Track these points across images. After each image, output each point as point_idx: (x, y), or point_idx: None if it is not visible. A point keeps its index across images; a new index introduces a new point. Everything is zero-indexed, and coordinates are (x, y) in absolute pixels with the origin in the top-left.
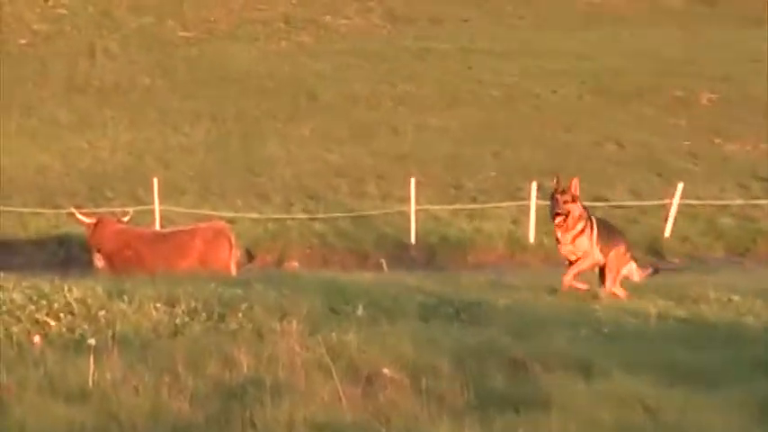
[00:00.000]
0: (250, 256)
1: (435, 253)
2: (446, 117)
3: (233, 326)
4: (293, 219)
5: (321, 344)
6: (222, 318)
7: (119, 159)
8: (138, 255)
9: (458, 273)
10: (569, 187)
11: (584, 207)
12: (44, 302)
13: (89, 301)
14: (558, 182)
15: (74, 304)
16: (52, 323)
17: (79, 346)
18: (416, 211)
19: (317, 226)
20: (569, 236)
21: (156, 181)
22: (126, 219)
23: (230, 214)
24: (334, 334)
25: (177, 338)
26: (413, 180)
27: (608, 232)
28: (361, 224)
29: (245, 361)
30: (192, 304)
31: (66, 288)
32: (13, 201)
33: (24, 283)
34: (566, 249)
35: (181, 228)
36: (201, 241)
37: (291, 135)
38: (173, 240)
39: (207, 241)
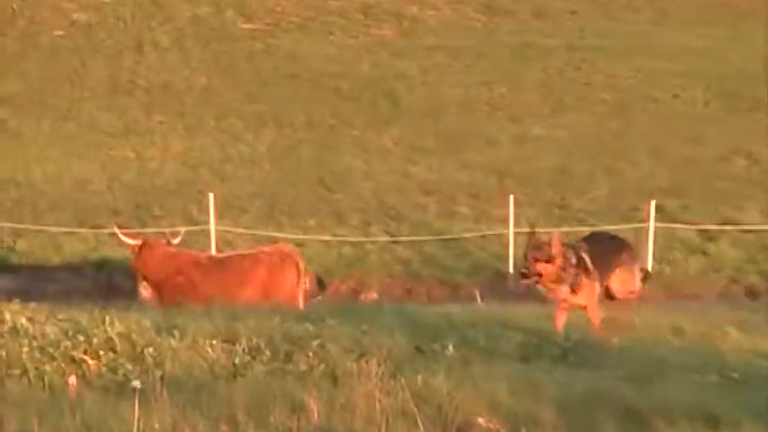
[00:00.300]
0: (322, 285)
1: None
2: (550, 125)
3: (302, 366)
4: (372, 242)
5: (405, 388)
6: (289, 357)
7: (169, 171)
8: (191, 283)
9: None
10: (548, 244)
11: (572, 248)
12: (81, 338)
13: (134, 336)
14: (533, 236)
15: (116, 340)
16: (91, 362)
17: (122, 388)
18: (515, 235)
19: (400, 250)
20: (565, 289)
21: (212, 197)
22: (176, 240)
23: (299, 236)
24: (419, 377)
25: (237, 381)
26: (511, 198)
27: (603, 257)
28: (452, 249)
29: (315, 407)
30: (255, 341)
31: (107, 321)
32: (46, 219)
33: (59, 315)
34: (570, 299)
35: (241, 252)
36: (265, 268)
37: (371, 145)
38: (231, 266)
39: (271, 268)
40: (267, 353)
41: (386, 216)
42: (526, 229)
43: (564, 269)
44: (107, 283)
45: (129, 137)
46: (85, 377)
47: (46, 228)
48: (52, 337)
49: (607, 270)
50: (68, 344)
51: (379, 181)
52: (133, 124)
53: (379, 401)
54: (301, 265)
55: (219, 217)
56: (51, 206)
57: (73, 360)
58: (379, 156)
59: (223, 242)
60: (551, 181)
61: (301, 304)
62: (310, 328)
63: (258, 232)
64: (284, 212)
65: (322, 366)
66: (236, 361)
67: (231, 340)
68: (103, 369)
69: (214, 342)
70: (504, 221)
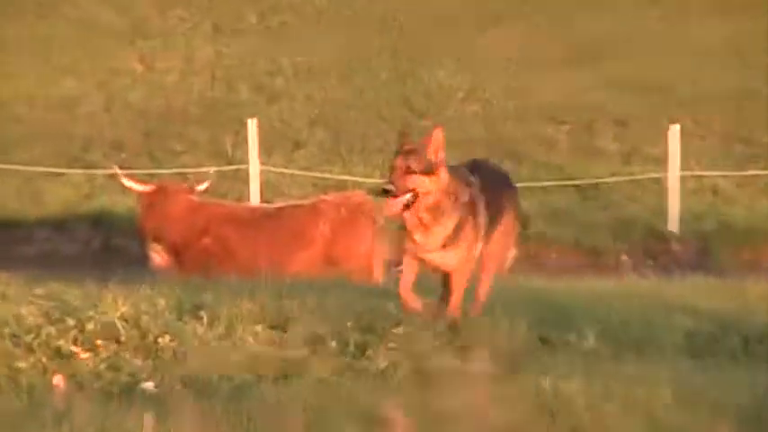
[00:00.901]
0: None
1: (709, 247)
2: (728, 22)
3: (380, 363)
4: None
5: (525, 395)
6: (362, 350)
7: (193, 89)
8: (223, 245)
9: (745, 277)
10: (424, 144)
11: (460, 173)
12: (71, 321)
13: (144, 320)
14: (404, 136)
15: (119, 325)
16: (84, 356)
17: (128, 392)
18: (682, 180)
19: (521, 202)
20: (436, 236)
21: (253, 124)
22: (203, 186)
23: (375, 180)
24: (546, 379)
25: (290, 382)
26: (676, 129)
27: (493, 203)
28: (590, 199)
29: (399, 419)
30: (314, 327)
31: (106, 299)
32: (19, 155)
33: (38, 290)
34: (426, 255)
35: (294, 202)
36: (328, 224)
37: (476, 51)
38: (281, 221)
39: (337, 224)
40: (332, 344)
41: (497, 152)
42: (696, 173)
43: (451, 195)
44: (105, 245)
45: (135, 40)
46: (76, 377)
47: (19, 167)
48: (29, 320)
49: (492, 224)
50: (52, 330)
51: (487, 101)
52: (142, 23)
53: (489, 413)
54: (379, 221)
55: (264, 153)
56: (26, 137)
57: (59, 353)
58: (488, 67)
59: (268, 187)
60: (733, 105)
61: (379, 275)
62: (392, 309)
63: (318, 174)
64: (355, 147)
65: (408, 363)
66: (289, 355)
67: (281, 326)
68: (102, 366)
69: (257, 329)
70: (664, 161)
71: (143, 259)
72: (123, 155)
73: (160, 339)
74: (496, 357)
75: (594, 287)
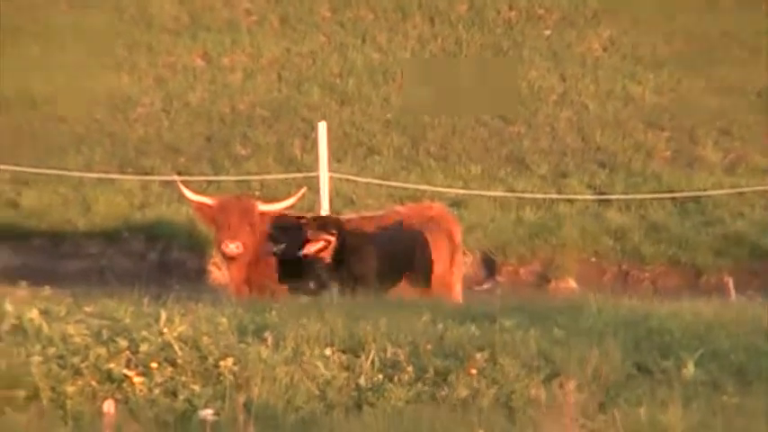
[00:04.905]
0: (491, 266)
1: None
2: None
3: (462, 392)
4: (569, 201)
5: (620, 426)
6: (443, 377)
7: (259, 88)
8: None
9: None
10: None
11: None
12: (123, 342)
13: (204, 341)
14: None
15: (176, 347)
16: (137, 380)
17: (185, 420)
18: None
19: (613, 215)
20: None
21: (323, 127)
22: (283, 204)
23: (456, 190)
24: (642, 410)
25: (363, 412)
26: None
27: None
28: (691, 213)
29: None
30: (389, 352)
31: (162, 317)
32: (67, 161)
33: (88, 308)
34: None
35: (367, 214)
36: None
37: (570, 51)
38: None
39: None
40: (409, 370)
41: (591, 161)
42: None
43: None
44: (161, 259)
45: (196, 34)
46: (128, 403)
47: (66, 173)
48: (77, 340)
49: None
50: (102, 352)
51: (582, 106)
52: (205, 15)
53: None
54: (458, 235)
55: (335, 159)
56: (75, 139)
57: (109, 377)
58: (583, 67)
59: (340, 196)
60: None
61: (459, 294)
62: (475, 332)
63: (394, 183)
64: (434, 154)
65: (492, 391)
66: (362, 382)
67: (352, 350)
68: (156, 391)
69: (327, 352)
70: None
71: (204, 274)
72: (182, 160)
73: (221, 363)
74: (588, 386)
75: (694, 310)
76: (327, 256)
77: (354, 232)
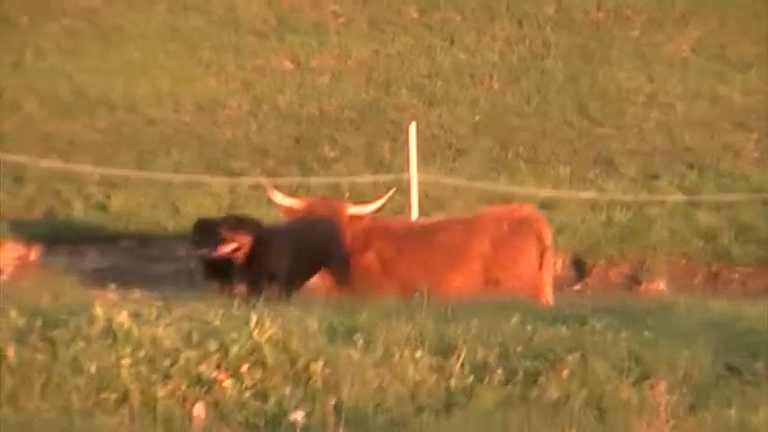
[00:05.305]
0: (581, 268)
1: None
2: None
3: (553, 394)
4: (660, 203)
5: (710, 428)
6: (533, 378)
7: (347, 90)
8: (380, 262)
9: None
10: None
11: None
12: (212, 345)
13: (293, 343)
14: None
15: (266, 350)
16: (227, 382)
17: (275, 423)
18: None
19: (703, 216)
20: None
21: (413, 129)
22: (371, 208)
23: (545, 192)
24: (732, 411)
25: (453, 414)
26: None
27: None
28: None
29: None
30: (479, 354)
31: (252, 320)
32: (156, 162)
33: (177, 311)
34: None
35: (455, 216)
36: (491, 239)
37: (658, 52)
38: (439, 238)
39: (501, 240)
40: (499, 372)
41: (679, 162)
42: None
43: None
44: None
45: (284, 36)
46: (219, 406)
47: (154, 175)
48: (167, 343)
49: None
50: (192, 355)
51: (670, 107)
52: (292, 17)
53: None
54: (547, 237)
55: (423, 161)
56: (163, 142)
57: (199, 380)
58: (671, 68)
59: (429, 199)
60: None
61: (549, 296)
62: (565, 333)
63: (482, 184)
64: (523, 155)
65: (583, 393)
66: (452, 384)
67: (443, 352)
68: (247, 394)
69: (417, 354)
70: None
71: None
72: (270, 162)
73: (311, 365)
74: (678, 387)
75: None
76: (242, 256)
77: (270, 230)
